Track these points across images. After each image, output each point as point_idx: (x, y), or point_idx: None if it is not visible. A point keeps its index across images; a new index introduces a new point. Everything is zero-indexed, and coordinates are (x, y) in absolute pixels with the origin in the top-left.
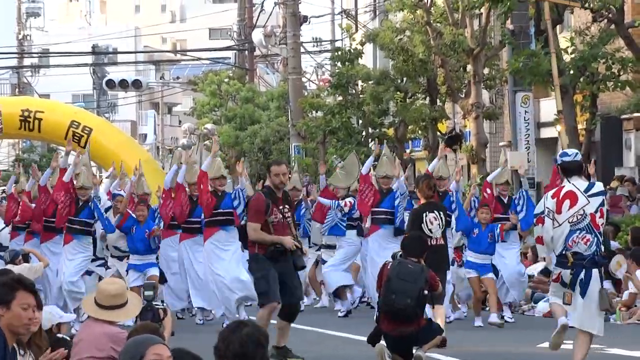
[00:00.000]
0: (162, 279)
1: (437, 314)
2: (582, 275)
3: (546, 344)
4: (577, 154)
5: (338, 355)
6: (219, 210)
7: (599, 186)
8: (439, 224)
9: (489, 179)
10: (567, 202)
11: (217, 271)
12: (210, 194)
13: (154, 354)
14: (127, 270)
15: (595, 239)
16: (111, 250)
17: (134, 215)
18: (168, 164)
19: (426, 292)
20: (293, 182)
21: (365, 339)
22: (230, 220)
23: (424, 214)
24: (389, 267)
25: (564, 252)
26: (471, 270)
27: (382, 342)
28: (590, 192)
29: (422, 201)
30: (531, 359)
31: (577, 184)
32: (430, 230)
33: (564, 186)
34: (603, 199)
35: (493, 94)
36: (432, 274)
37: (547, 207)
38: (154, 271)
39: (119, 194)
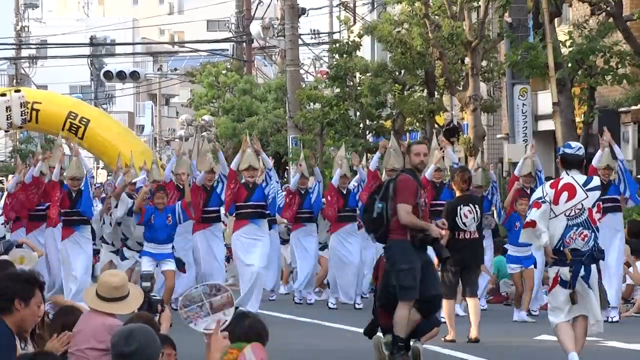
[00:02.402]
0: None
1: (471, 305)
2: (582, 272)
3: (542, 337)
4: (580, 147)
5: (334, 347)
6: (250, 203)
7: (596, 180)
8: (473, 218)
9: (515, 172)
10: (564, 194)
11: (247, 261)
12: (241, 185)
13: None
14: (140, 256)
15: (593, 234)
16: (134, 245)
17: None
18: (165, 156)
19: None
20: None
21: (362, 330)
22: (261, 213)
23: (459, 207)
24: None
25: (561, 249)
26: (514, 266)
27: (379, 334)
28: (588, 186)
29: (457, 194)
30: (528, 351)
31: (576, 177)
32: (464, 223)
33: (562, 177)
34: (600, 194)
35: (491, 86)
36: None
37: (546, 193)
38: (170, 265)
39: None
